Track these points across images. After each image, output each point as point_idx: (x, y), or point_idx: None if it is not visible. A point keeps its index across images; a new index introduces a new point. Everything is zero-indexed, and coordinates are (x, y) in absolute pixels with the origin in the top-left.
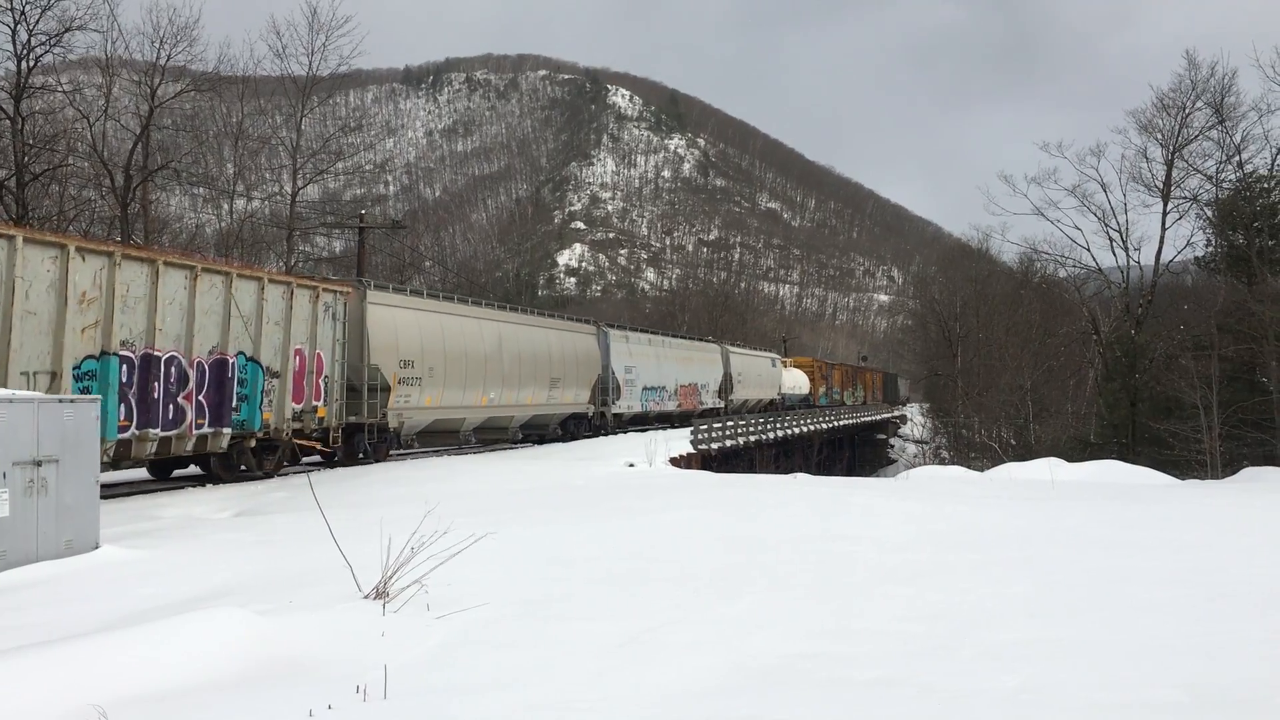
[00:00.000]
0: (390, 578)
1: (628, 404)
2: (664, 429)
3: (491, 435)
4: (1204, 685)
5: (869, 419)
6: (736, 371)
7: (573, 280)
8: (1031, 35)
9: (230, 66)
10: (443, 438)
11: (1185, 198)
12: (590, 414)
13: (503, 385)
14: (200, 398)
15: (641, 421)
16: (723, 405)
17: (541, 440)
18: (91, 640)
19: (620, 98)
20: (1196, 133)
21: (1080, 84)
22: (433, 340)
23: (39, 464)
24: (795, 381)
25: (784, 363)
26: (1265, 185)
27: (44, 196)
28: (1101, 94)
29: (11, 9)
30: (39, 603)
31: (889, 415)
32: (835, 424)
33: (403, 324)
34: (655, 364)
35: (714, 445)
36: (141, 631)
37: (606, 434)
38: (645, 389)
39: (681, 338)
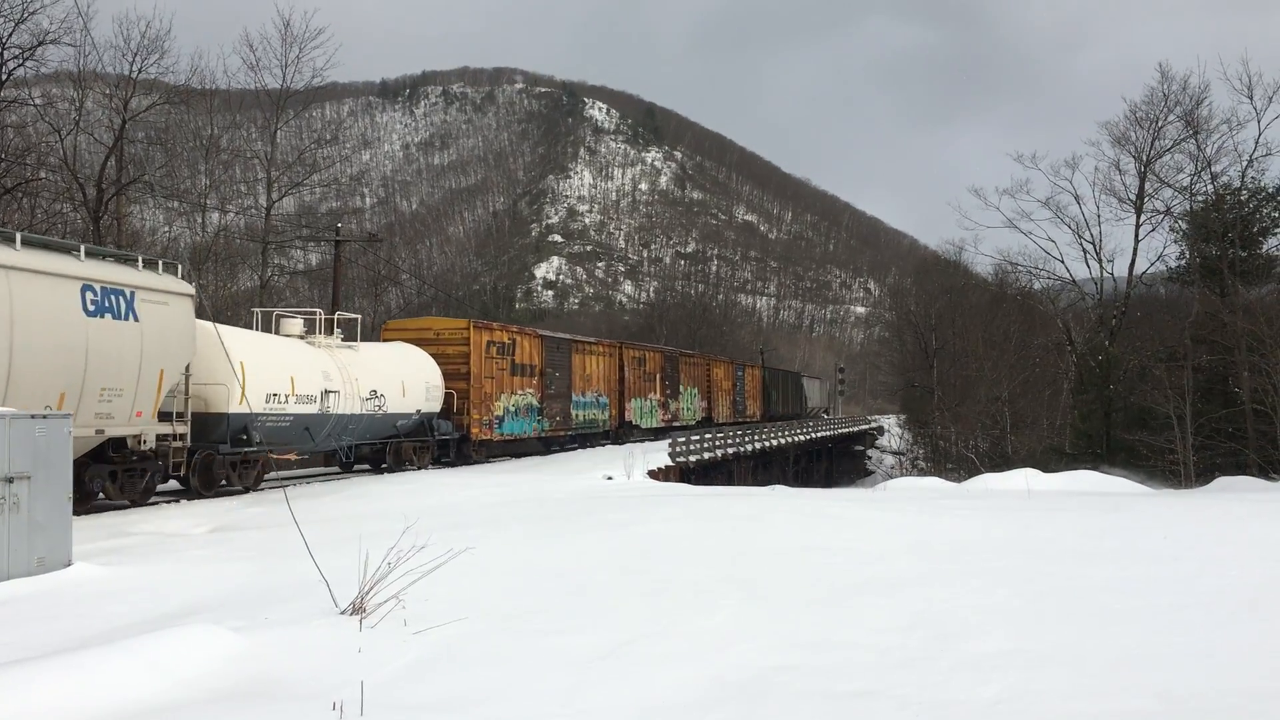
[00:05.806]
0: (367, 593)
1: None
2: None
3: None
4: (1177, 694)
5: (847, 430)
6: None
7: (550, 293)
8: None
9: (203, 79)
10: None
11: (1158, 211)
12: None
13: None
14: None
15: None
16: None
17: None
18: (62, 659)
19: (597, 111)
20: (1169, 145)
21: (1047, 102)
22: None
23: (10, 481)
24: (354, 385)
25: (325, 328)
26: (1239, 197)
27: (15, 210)
28: (1069, 111)
29: None
30: (9, 621)
31: (866, 427)
32: (813, 435)
33: None
34: None
35: (692, 458)
36: (113, 650)
37: None
38: None
39: None
